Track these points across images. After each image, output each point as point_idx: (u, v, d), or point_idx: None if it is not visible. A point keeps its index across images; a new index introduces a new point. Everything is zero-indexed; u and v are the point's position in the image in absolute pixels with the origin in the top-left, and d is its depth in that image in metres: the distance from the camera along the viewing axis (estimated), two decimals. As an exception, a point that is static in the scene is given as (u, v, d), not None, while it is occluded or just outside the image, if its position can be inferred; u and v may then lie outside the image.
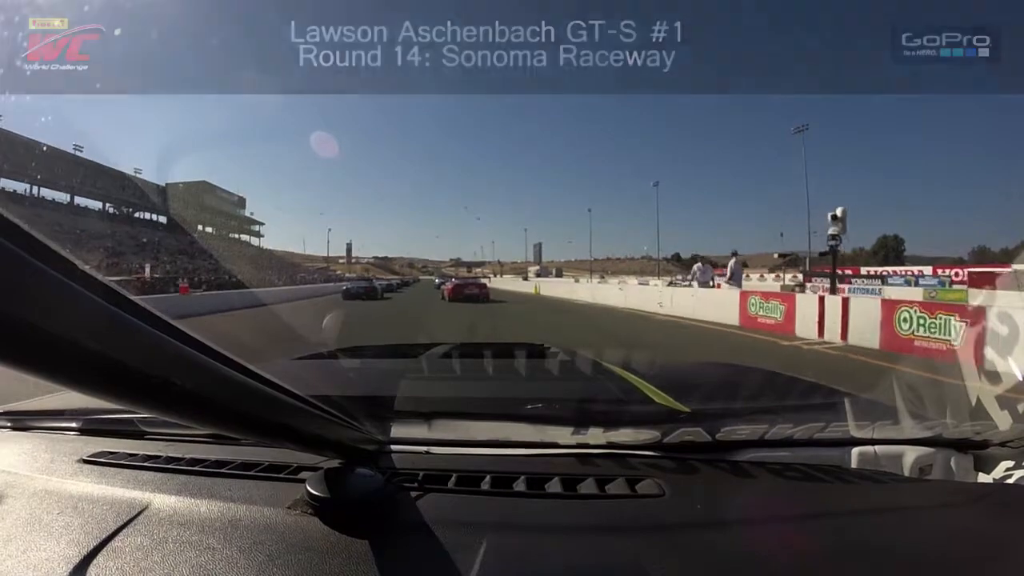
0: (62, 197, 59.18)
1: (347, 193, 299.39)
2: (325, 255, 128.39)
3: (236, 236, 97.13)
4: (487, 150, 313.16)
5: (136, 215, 71.91)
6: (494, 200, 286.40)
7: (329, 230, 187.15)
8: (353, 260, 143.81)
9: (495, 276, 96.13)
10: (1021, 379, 1.08)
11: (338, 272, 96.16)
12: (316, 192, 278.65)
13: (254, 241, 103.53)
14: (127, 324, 0.44)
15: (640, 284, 34.41)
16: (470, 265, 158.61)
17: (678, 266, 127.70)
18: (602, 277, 76.36)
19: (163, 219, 74.53)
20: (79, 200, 61.94)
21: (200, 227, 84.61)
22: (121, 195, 67.74)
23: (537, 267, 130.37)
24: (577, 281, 47.13)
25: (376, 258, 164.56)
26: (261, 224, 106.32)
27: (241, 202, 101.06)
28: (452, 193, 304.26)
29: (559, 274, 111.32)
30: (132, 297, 0.46)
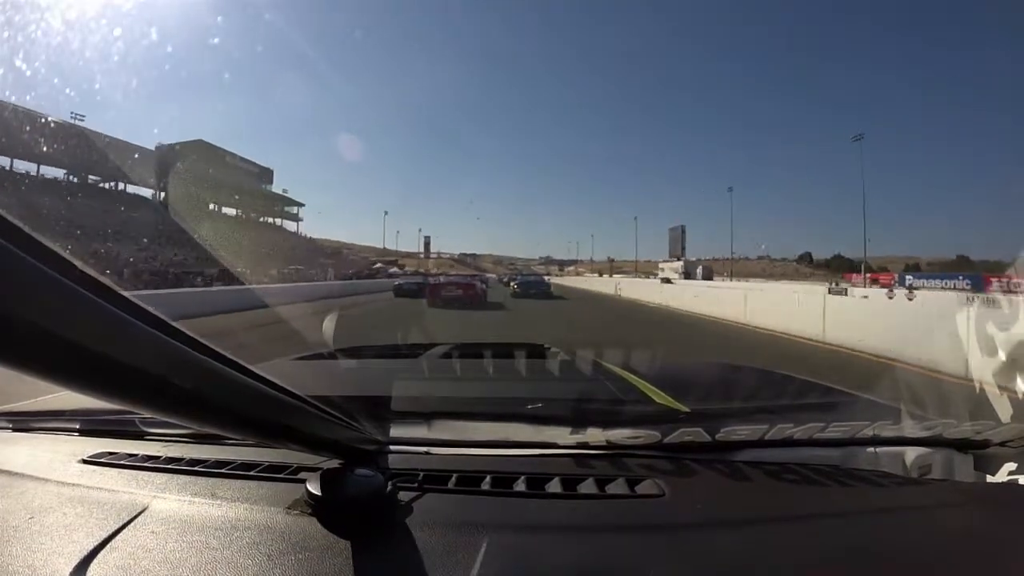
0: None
1: (429, 188, 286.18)
2: (396, 249, 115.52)
3: (268, 220, 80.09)
4: (583, 132, 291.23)
5: (105, 187, 56.62)
6: (599, 186, 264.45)
7: (385, 213, 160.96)
8: (434, 256, 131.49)
9: (600, 276, 72.67)
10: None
11: (390, 268, 72.24)
12: (396, 186, 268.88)
13: (289, 226, 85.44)
14: (127, 324, 0.44)
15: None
16: (562, 263, 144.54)
17: (812, 268, 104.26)
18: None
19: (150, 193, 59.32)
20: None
21: (213, 205, 67.02)
22: (66, 155, 50.80)
23: (678, 263, 77.06)
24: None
25: (463, 254, 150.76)
26: (299, 205, 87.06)
27: (265, 175, 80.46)
28: (541, 184, 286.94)
29: (708, 275, 67.49)
30: (132, 297, 0.46)
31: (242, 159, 76.82)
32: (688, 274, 62.19)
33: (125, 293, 0.46)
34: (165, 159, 61.02)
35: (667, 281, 32.22)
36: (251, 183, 75.93)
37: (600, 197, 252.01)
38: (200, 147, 67.02)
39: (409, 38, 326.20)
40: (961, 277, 49.67)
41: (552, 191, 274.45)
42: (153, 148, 63.65)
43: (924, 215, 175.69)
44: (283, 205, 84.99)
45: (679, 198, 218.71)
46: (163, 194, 59.68)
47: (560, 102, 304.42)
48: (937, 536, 0.75)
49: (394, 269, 69.08)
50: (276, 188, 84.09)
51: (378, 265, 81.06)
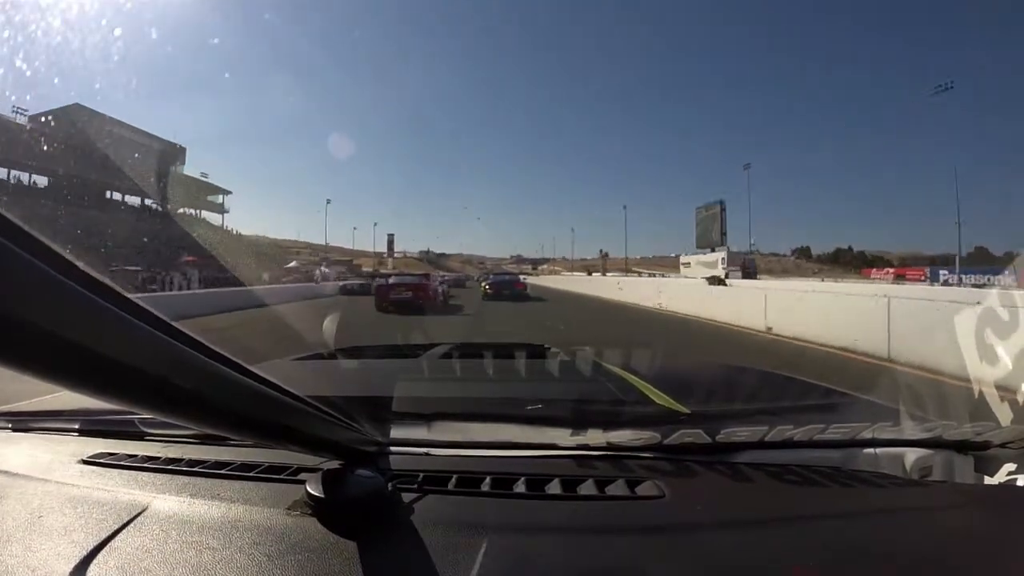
0: None
1: (394, 186, 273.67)
2: (352, 247, 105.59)
3: (189, 211, 64.06)
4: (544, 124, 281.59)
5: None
6: (575, 183, 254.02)
7: (328, 201, 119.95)
8: (399, 255, 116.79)
9: (590, 275, 53.74)
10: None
11: (319, 267, 55.88)
12: (361, 184, 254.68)
13: (213, 219, 68.94)
14: (127, 324, 0.44)
15: None
16: (534, 262, 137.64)
17: (817, 264, 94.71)
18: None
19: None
20: None
21: (112, 192, 51.63)
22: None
23: (714, 255, 38.58)
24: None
25: (428, 253, 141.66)
26: (225, 192, 70.53)
27: (172, 152, 61.71)
28: (513, 182, 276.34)
29: (751, 272, 34.29)
30: (132, 297, 0.46)
31: (140, 132, 58.27)
32: (746, 271, 38.30)
33: (125, 293, 0.45)
34: (38, 133, 48.12)
35: (718, 282, 17.93)
36: (152, 162, 56.23)
37: (576, 193, 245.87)
38: (78, 114, 49.25)
39: (358, 28, 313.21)
40: (1007, 272, 39.07)
41: (525, 188, 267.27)
42: (17, 119, 49.19)
43: (926, 212, 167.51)
44: (203, 193, 68.28)
45: (659, 197, 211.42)
46: (39, 178, 48.16)
47: (535, 96, 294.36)
48: (937, 537, 0.75)
49: (323, 269, 53.11)
50: (194, 171, 67.06)
51: (292, 264, 62.27)
